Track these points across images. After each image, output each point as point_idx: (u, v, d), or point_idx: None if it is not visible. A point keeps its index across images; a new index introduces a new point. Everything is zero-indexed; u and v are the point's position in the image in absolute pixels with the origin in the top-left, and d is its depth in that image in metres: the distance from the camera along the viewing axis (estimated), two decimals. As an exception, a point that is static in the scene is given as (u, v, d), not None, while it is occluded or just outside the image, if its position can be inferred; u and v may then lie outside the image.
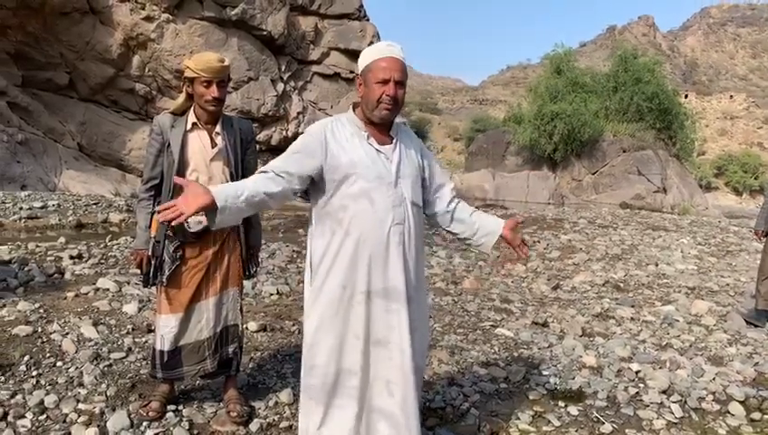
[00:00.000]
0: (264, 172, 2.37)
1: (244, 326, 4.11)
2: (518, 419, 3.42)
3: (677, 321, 5.70)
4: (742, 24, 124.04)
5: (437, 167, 2.71)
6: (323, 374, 2.44)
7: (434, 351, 4.35)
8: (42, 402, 3.18)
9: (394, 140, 2.51)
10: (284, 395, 3.45)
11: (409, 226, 2.46)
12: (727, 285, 7.71)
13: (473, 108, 67.92)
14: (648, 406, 3.73)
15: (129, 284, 5.68)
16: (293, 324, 4.82)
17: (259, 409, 3.32)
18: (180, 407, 3.23)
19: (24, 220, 9.50)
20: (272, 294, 5.77)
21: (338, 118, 2.53)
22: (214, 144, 3.07)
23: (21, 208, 10.01)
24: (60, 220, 9.88)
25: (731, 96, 70.47)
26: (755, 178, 54.59)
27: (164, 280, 3.04)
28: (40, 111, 14.64)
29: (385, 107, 2.38)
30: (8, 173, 12.72)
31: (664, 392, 3.89)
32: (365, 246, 2.38)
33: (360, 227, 2.37)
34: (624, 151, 26.90)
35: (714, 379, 4.16)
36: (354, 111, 2.52)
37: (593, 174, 27.33)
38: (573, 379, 4.03)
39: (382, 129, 2.49)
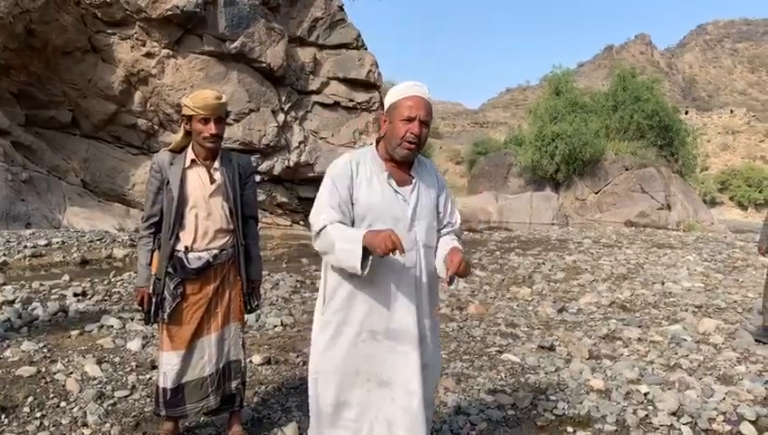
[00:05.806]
0: (324, 228, 2.34)
1: (248, 359, 4.09)
2: (526, 446, 3.38)
3: (685, 340, 5.65)
4: (738, 40, 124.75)
5: (450, 204, 2.65)
6: (323, 404, 2.45)
7: (440, 379, 4.31)
8: (45, 444, 3.16)
9: (414, 180, 2.48)
10: (289, 430, 3.42)
11: (421, 269, 2.44)
12: (735, 301, 7.64)
13: (474, 131, 68.01)
14: (657, 429, 3.68)
15: (132, 320, 5.67)
16: (298, 356, 4.79)
17: (264, 444, 3.29)
18: (184, 445, 3.21)
19: (28, 259, 9.52)
20: (275, 326, 5.73)
21: (362, 154, 2.51)
22: (212, 180, 3.09)
23: (25, 247, 10.04)
24: (64, 257, 9.90)
25: (731, 111, 70.54)
26: (760, 192, 54.47)
27: (165, 317, 3.04)
28: (43, 149, 14.76)
29: (407, 146, 2.37)
30: (13, 212, 12.77)
31: (674, 414, 3.85)
32: (376, 289, 2.38)
33: (372, 270, 2.32)
34: (626, 169, 26.97)
35: (724, 399, 4.11)
36: (377, 145, 2.52)
37: (596, 193, 27.36)
38: (581, 403, 3.99)
39: (403, 167, 2.48)
